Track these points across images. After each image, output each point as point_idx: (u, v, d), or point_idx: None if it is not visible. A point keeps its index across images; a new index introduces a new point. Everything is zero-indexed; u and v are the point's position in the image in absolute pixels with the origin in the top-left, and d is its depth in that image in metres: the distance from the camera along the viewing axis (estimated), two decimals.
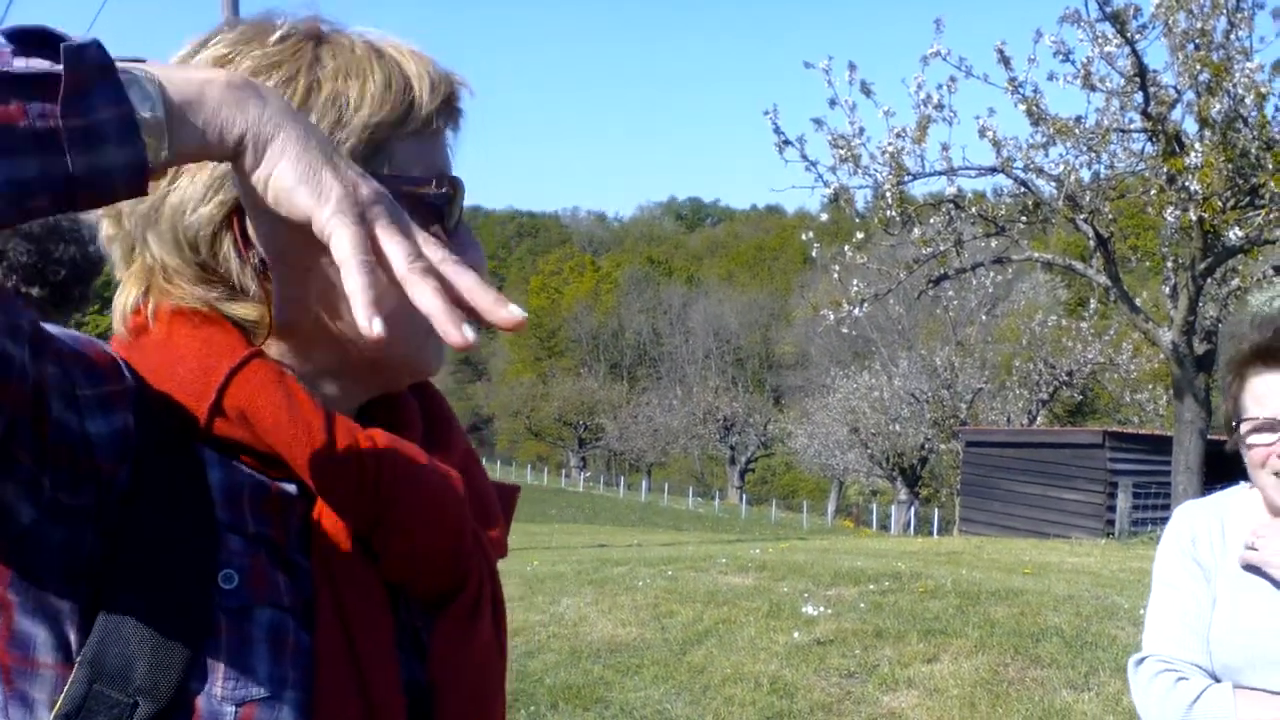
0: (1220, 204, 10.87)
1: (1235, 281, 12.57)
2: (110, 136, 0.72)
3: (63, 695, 0.85)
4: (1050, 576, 9.50)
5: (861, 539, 20.96)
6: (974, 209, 12.79)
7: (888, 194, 12.30)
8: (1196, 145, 10.93)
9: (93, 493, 0.85)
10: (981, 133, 12.19)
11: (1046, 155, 12.17)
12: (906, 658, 6.78)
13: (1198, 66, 10.88)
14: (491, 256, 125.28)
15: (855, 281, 13.29)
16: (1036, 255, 13.74)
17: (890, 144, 12.29)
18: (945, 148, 12.41)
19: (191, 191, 0.92)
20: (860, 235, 13.10)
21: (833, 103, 12.32)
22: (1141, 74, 11.38)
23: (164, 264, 0.95)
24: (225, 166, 0.91)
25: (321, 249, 0.79)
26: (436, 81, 0.98)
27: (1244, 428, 2.16)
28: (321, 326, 0.97)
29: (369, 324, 0.76)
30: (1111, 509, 20.79)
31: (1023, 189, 12.61)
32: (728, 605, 8.22)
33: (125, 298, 0.97)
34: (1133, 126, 11.94)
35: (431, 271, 0.79)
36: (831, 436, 44.12)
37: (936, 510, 40.03)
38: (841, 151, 12.41)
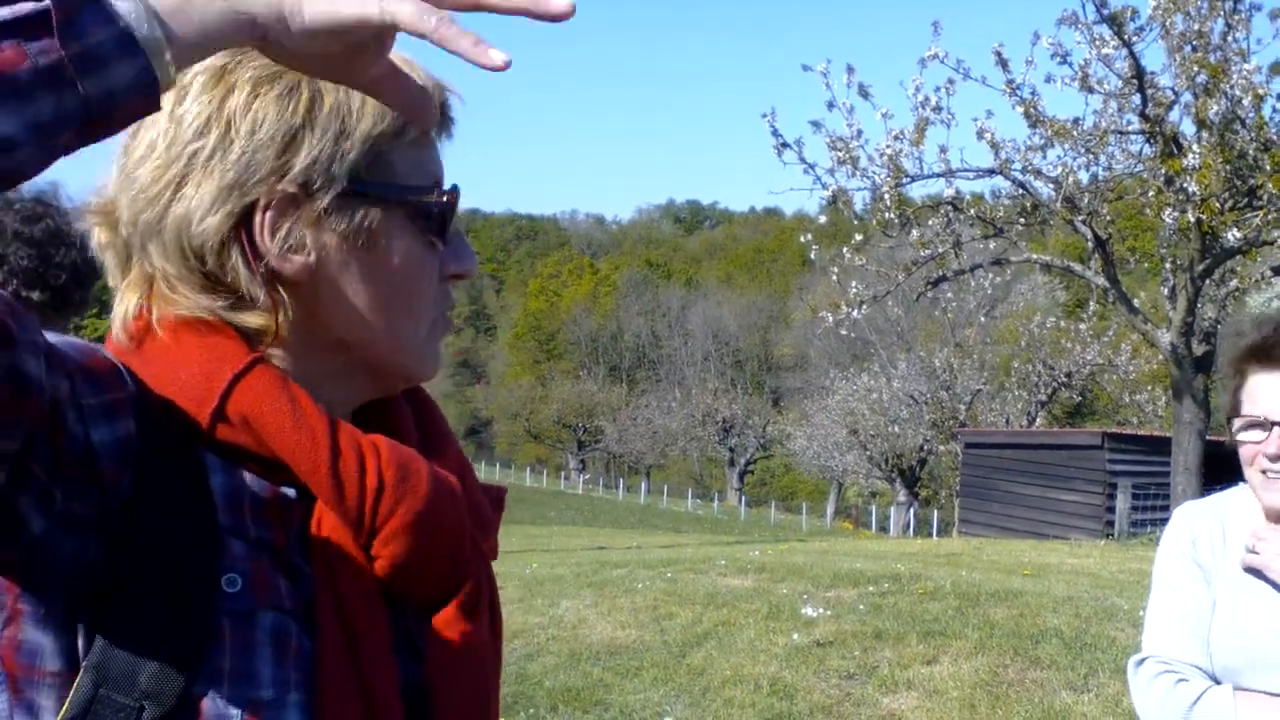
0: (1218, 205, 10.88)
1: (1234, 283, 12.58)
2: (111, 54, 0.72)
3: (68, 700, 0.85)
4: (1049, 578, 9.50)
5: (861, 540, 20.95)
6: (972, 211, 12.80)
7: (886, 196, 12.30)
8: (1194, 147, 10.94)
9: (96, 501, 0.85)
10: (979, 135, 12.21)
11: (1044, 157, 12.20)
12: (906, 659, 6.78)
13: (1195, 68, 10.89)
14: (490, 259, 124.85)
15: (854, 283, 13.29)
16: (1035, 257, 13.75)
17: (888, 146, 12.30)
18: (943, 150, 12.44)
19: (198, 202, 0.92)
20: (859, 237, 13.10)
21: (831, 105, 12.34)
22: (1139, 76, 11.39)
23: (166, 272, 0.95)
24: (231, 178, 0.92)
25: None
26: (431, 91, 0.99)
27: (1236, 424, 2.17)
28: (324, 330, 0.98)
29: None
30: (1110, 510, 20.78)
31: (1021, 191, 12.62)
32: (727, 607, 8.22)
33: (125, 305, 0.97)
34: (1130, 128, 11.96)
35: (448, 21, 0.78)
36: (830, 438, 44.11)
37: (936, 512, 40.02)
38: (840, 154, 12.42)
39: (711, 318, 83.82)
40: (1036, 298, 42.46)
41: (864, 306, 13.17)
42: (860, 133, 12.42)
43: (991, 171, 12.48)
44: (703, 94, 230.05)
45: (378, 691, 0.94)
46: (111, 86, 0.73)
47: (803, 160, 12.39)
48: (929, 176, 12.46)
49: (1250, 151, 10.87)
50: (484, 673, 1.05)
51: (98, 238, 0.99)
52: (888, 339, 43.22)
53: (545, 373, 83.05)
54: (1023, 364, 36.32)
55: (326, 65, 0.82)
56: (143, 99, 0.75)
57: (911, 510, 40.44)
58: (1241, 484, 2.26)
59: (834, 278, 14.02)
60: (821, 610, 7.90)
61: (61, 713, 0.85)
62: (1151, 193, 11.43)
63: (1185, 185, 10.87)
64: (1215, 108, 10.77)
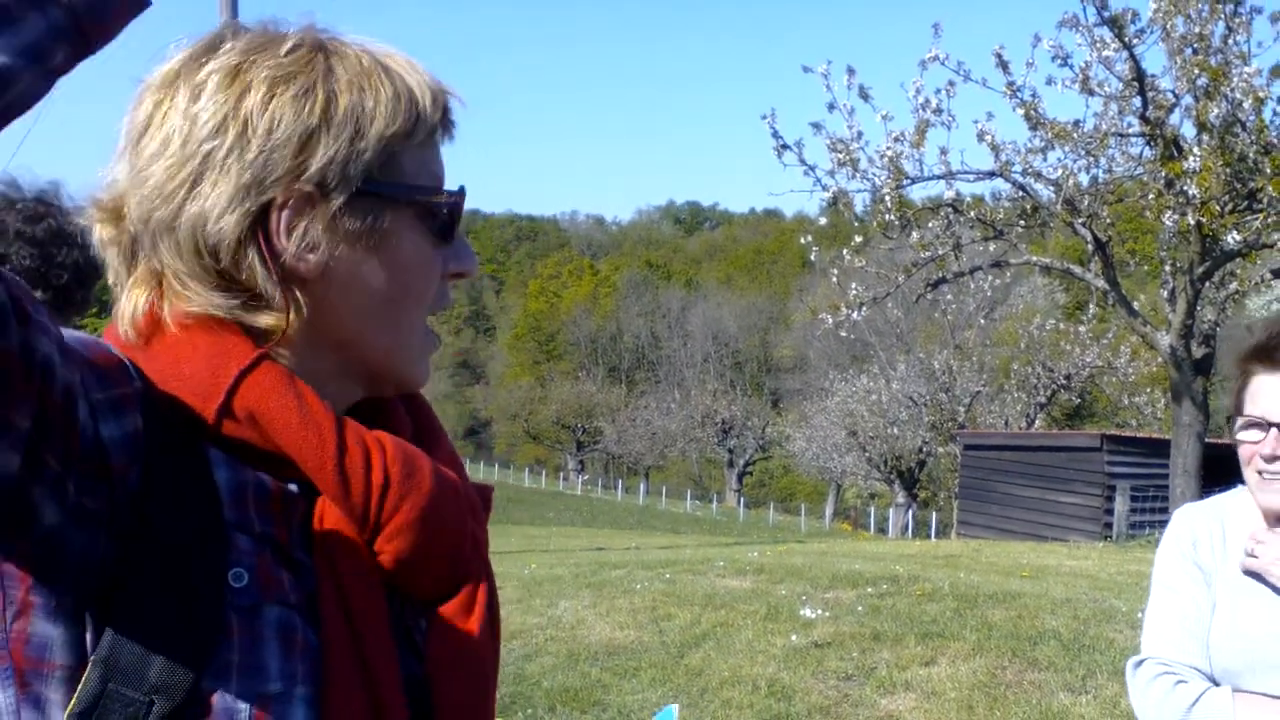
0: (1218, 208, 10.89)
1: (1233, 285, 12.58)
2: None
3: (76, 694, 0.85)
4: (1048, 579, 9.50)
5: (859, 542, 20.95)
6: (972, 213, 12.80)
7: (886, 198, 12.31)
8: (1195, 149, 10.94)
9: (106, 495, 0.85)
10: (980, 137, 12.21)
11: (1045, 159, 12.20)
12: (904, 660, 6.78)
13: (1196, 71, 10.89)
14: (490, 260, 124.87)
15: (854, 285, 13.29)
16: (1035, 259, 13.75)
17: (889, 148, 12.30)
18: (944, 152, 12.44)
19: (214, 201, 0.92)
20: (859, 239, 13.11)
21: (831, 107, 12.34)
22: (1140, 78, 11.39)
23: (177, 270, 0.95)
24: (249, 177, 0.92)
25: None
26: (436, 93, 1.00)
27: (1237, 424, 2.17)
28: (328, 328, 0.99)
29: None
30: (1109, 512, 20.78)
31: (1021, 193, 12.62)
32: (725, 608, 8.22)
33: (133, 302, 0.97)
34: (1131, 131, 11.96)
35: None
36: (829, 439, 44.12)
37: (934, 513, 40.05)
38: (840, 155, 12.43)
39: (711, 319, 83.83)
40: (1036, 300, 42.51)
41: (864, 308, 13.17)
42: (860, 134, 12.43)
43: (992, 174, 12.48)
44: (703, 95, 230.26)
45: (382, 686, 0.94)
46: None
47: (803, 162, 12.40)
48: (929, 178, 12.47)
49: (1250, 154, 10.87)
50: (483, 670, 1.05)
51: (100, 234, 0.99)
52: (887, 341, 43.23)
53: (544, 373, 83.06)
54: (1022, 366, 36.34)
55: None
56: None
57: (910, 512, 40.45)
58: (1241, 486, 2.26)
59: (834, 279, 14.03)
60: (820, 611, 7.89)
61: (70, 707, 0.85)
62: (1151, 195, 11.43)
63: (1185, 188, 10.87)
64: (1216, 111, 10.77)
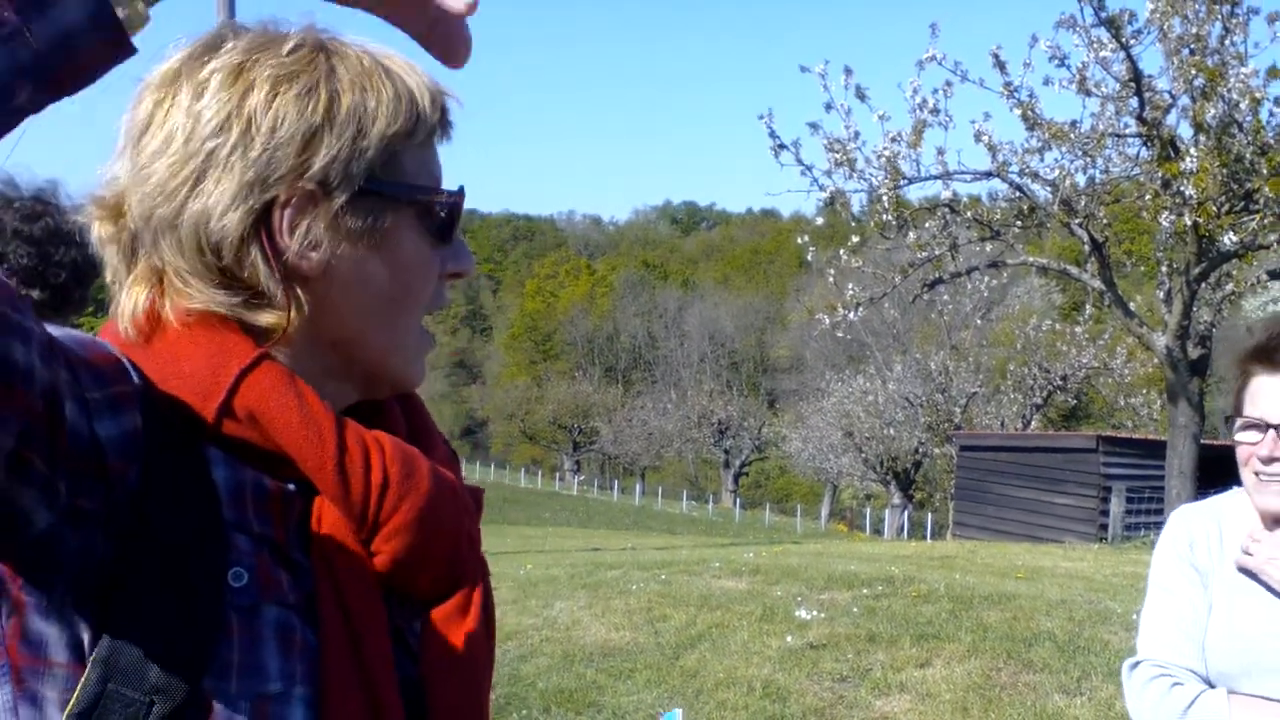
0: (1215, 209, 10.90)
1: (1229, 286, 12.60)
2: None
3: (76, 694, 0.85)
4: (1043, 581, 9.50)
5: (855, 543, 20.96)
6: (969, 213, 12.81)
7: (883, 198, 12.32)
8: (1191, 150, 10.95)
9: (102, 495, 0.85)
10: (977, 137, 12.21)
11: (1042, 160, 12.22)
12: (899, 662, 6.78)
13: (1193, 71, 10.90)
14: (487, 260, 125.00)
15: (850, 285, 13.31)
16: (1031, 260, 13.77)
17: (886, 148, 12.31)
18: (941, 152, 12.44)
19: (217, 198, 0.92)
20: (856, 239, 13.13)
21: (828, 107, 12.35)
22: (1137, 79, 11.40)
23: (179, 268, 0.95)
24: (252, 175, 0.92)
25: None
26: (435, 94, 1.01)
27: (1236, 425, 2.17)
28: (327, 327, 0.99)
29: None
30: (1105, 513, 20.81)
31: (1018, 193, 12.63)
32: (721, 609, 8.21)
33: (133, 300, 0.96)
34: (1128, 131, 11.97)
35: None
36: (826, 440, 44.14)
37: (930, 514, 40.11)
38: (837, 155, 12.43)
39: (708, 319, 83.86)
40: (1033, 300, 42.57)
41: (860, 308, 13.18)
42: (858, 134, 12.44)
43: (989, 174, 12.49)
44: (700, 95, 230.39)
45: (379, 686, 0.95)
46: (64, 28, 0.70)
47: (800, 162, 12.41)
48: (926, 179, 12.48)
49: (1247, 155, 10.88)
50: (477, 671, 1.06)
51: (98, 231, 0.98)
52: (884, 341, 43.29)
53: (541, 373, 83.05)
54: (1018, 367, 36.38)
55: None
56: (103, 42, 0.72)
57: (906, 513, 40.50)
58: (1238, 487, 2.25)
59: (831, 279, 14.04)
60: (815, 613, 7.89)
61: (69, 707, 0.85)
62: (1148, 196, 11.44)
63: (1182, 188, 10.88)
64: (1212, 111, 10.78)
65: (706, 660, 7.07)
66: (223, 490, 0.92)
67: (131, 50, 0.74)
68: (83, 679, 0.85)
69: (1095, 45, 11.51)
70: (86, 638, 0.86)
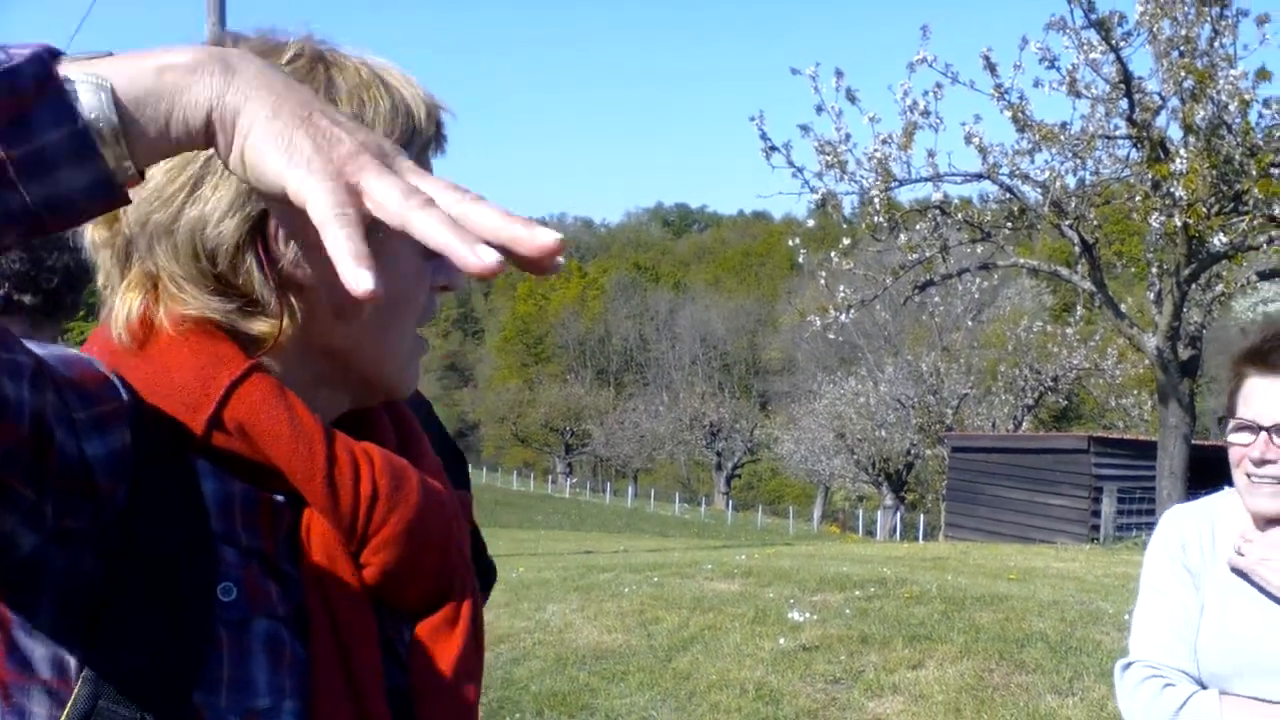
0: (1205, 210, 10.92)
1: (1219, 287, 12.63)
2: (61, 158, 0.69)
3: (65, 711, 0.85)
4: (1035, 582, 9.51)
5: (847, 544, 20.98)
6: (960, 215, 12.83)
7: (874, 200, 12.33)
8: (1181, 151, 10.98)
9: (90, 514, 0.84)
10: (967, 139, 12.24)
11: (1032, 161, 12.24)
12: (892, 664, 6.78)
13: (1182, 73, 10.94)
14: None
15: (842, 287, 13.31)
16: (1022, 261, 13.80)
17: (876, 150, 12.33)
18: (931, 154, 12.46)
19: (215, 205, 0.92)
20: (847, 241, 13.14)
21: (819, 109, 12.37)
22: (1126, 80, 11.43)
23: (174, 273, 0.94)
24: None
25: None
26: (430, 107, 1.01)
27: (1229, 426, 2.18)
28: (319, 337, 0.98)
29: (355, 280, 0.69)
30: (1096, 514, 20.86)
31: (1008, 195, 12.66)
32: (713, 611, 8.21)
33: (127, 305, 0.96)
34: (1118, 133, 12.00)
35: (431, 203, 0.71)
36: (818, 442, 44.18)
37: (922, 516, 40.14)
38: (828, 158, 12.45)
39: (699, 321, 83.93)
40: (1023, 302, 42.65)
41: (851, 310, 13.19)
42: (849, 136, 12.45)
43: (979, 176, 12.52)
44: (691, 97, 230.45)
45: (368, 698, 0.94)
46: (62, 190, 0.69)
47: (791, 164, 12.42)
48: (917, 180, 12.50)
49: (1236, 156, 10.91)
50: (467, 681, 1.05)
51: (92, 235, 0.98)
52: (875, 343, 43.35)
53: (533, 376, 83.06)
54: (1009, 368, 36.43)
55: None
56: (101, 201, 0.72)
57: (898, 514, 40.54)
58: (1229, 487, 2.26)
59: (822, 281, 14.03)
60: (808, 614, 7.89)
61: None
62: (1138, 197, 11.47)
63: (1172, 190, 10.91)
64: (1202, 113, 10.81)
65: (699, 662, 7.07)
66: (211, 503, 0.92)
67: (127, 202, 0.74)
68: (72, 696, 0.85)
69: (1085, 47, 11.54)
70: (75, 654, 0.86)
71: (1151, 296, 12.98)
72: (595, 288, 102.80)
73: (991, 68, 11.88)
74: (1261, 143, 10.99)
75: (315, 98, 0.77)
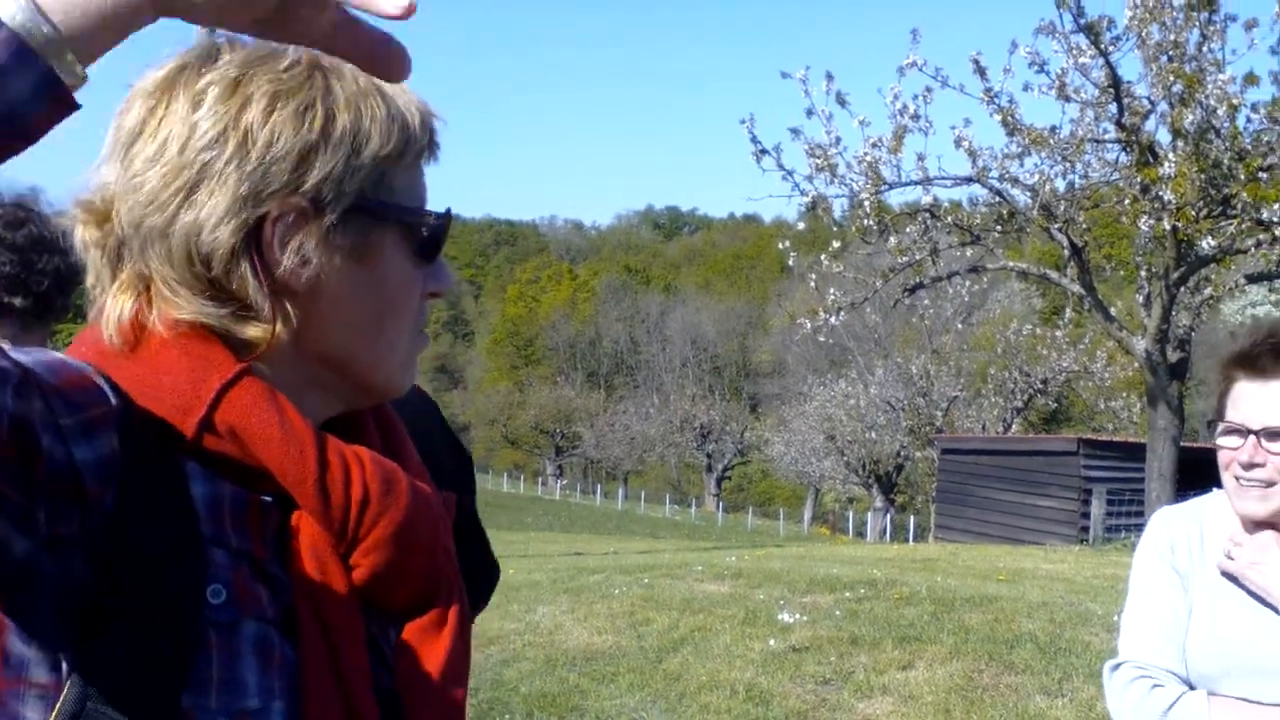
0: (1193, 214, 10.97)
1: (1208, 290, 12.69)
2: (3, 66, 0.67)
3: (54, 713, 0.85)
4: (1025, 583, 9.53)
5: (837, 546, 20.99)
6: (950, 218, 12.87)
7: (864, 203, 12.36)
8: (1170, 156, 11.03)
9: (79, 519, 0.84)
10: (957, 143, 12.28)
11: (1021, 165, 12.29)
12: (882, 665, 6.79)
13: (1171, 78, 10.98)
14: (468, 265, 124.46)
15: (832, 290, 13.35)
16: (1011, 264, 13.84)
17: (867, 153, 12.36)
18: (921, 157, 12.51)
19: (211, 210, 0.92)
20: (837, 244, 13.17)
21: (810, 112, 12.41)
22: (1115, 85, 11.48)
23: (167, 277, 0.94)
24: (246, 189, 0.92)
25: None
26: (424, 116, 1.01)
27: (1218, 429, 2.19)
28: (312, 343, 0.99)
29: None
30: (1086, 516, 20.90)
31: (998, 198, 12.70)
32: (703, 613, 8.22)
33: (119, 307, 0.96)
34: (1107, 137, 12.05)
35: None
36: (808, 444, 44.21)
37: (912, 517, 40.16)
38: (818, 161, 12.48)
39: (690, 324, 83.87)
40: (1013, 305, 42.72)
41: (842, 313, 13.23)
42: (839, 140, 12.49)
43: (969, 179, 12.55)
44: (682, 100, 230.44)
45: (357, 699, 0.95)
46: (10, 100, 0.69)
47: (781, 167, 12.46)
48: (907, 184, 12.54)
49: (1225, 161, 10.96)
50: (454, 683, 1.06)
51: (83, 235, 0.98)
52: (865, 345, 43.37)
53: (523, 378, 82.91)
54: (999, 370, 36.49)
55: (260, 25, 0.77)
56: (51, 106, 0.71)
57: (888, 516, 40.56)
58: (1218, 489, 2.27)
59: (812, 284, 14.06)
60: (798, 616, 7.90)
61: None
62: (1127, 201, 11.51)
63: (1161, 193, 10.96)
64: (1190, 117, 10.86)
65: (689, 664, 7.07)
66: (200, 505, 0.92)
67: (77, 106, 0.73)
68: (61, 698, 0.84)
69: (1074, 51, 11.58)
70: (66, 658, 0.86)
71: (1140, 299, 13.02)
72: (586, 290, 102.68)
73: (981, 72, 11.92)
74: (1249, 147, 11.05)
75: None
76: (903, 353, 40.55)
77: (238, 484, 0.94)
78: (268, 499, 0.96)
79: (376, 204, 0.98)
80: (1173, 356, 12.65)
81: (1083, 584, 9.65)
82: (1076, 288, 12.77)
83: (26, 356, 0.83)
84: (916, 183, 12.50)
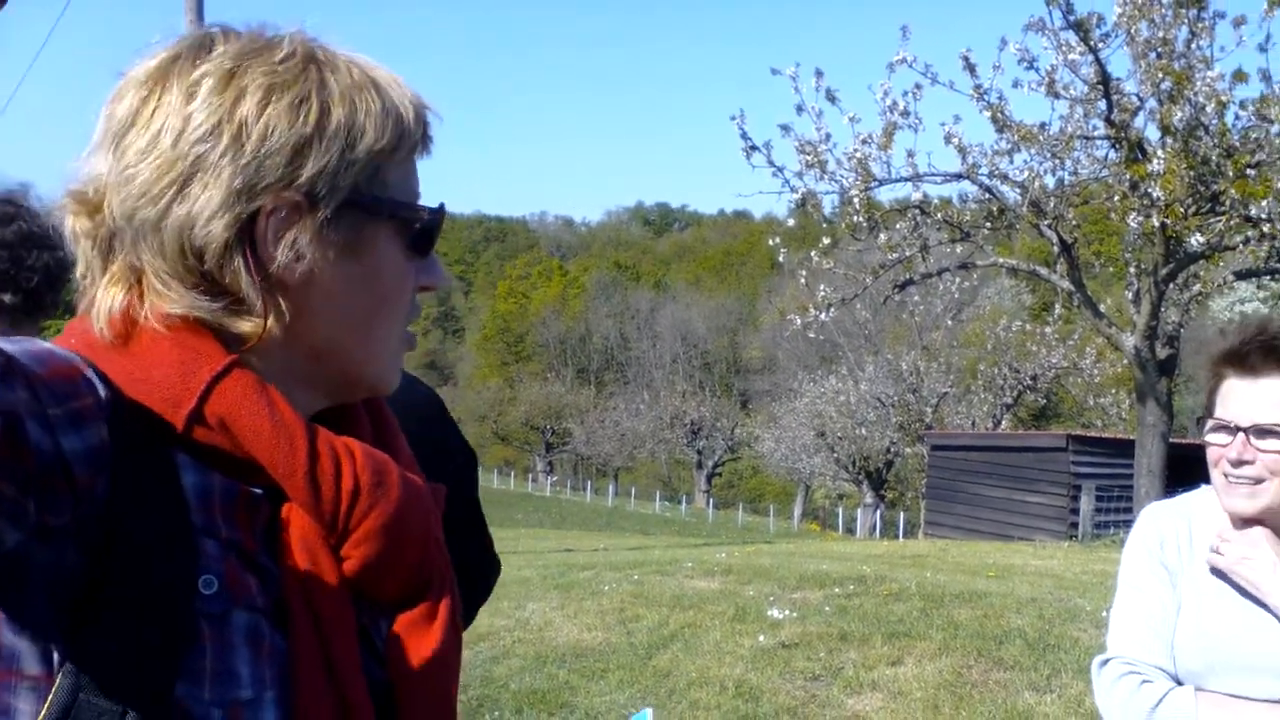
0: (1182, 210, 10.99)
1: (1197, 287, 12.71)
2: None
3: (47, 704, 0.84)
4: (1014, 579, 9.56)
5: (827, 542, 21.02)
6: (939, 215, 12.87)
7: (854, 199, 12.36)
8: (1159, 152, 11.04)
9: (70, 509, 0.84)
10: (947, 139, 12.27)
11: (1011, 162, 12.29)
12: (871, 660, 6.80)
13: (1160, 75, 11.00)
14: (459, 261, 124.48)
15: (822, 286, 13.34)
16: (1001, 261, 13.85)
17: (856, 150, 12.35)
18: (911, 154, 12.50)
19: (205, 204, 0.92)
20: (827, 240, 13.15)
21: (799, 109, 12.38)
22: (1105, 82, 11.49)
23: (158, 269, 0.94)
24: (240, 183, 0.91)
25: None
26: (418, 110, 1.01)
27: (1207, 426, 2.19)
28: (304, 337, 0.99)
29: None
30: (1075, 512, 20.95)
31: (988, 195, 12.70)
32: (693, 609, 8.23)
33: (110, 299, 0.95)
34: (1096, 134, 12.06)
35: None
36: (798, 440, 44.25)
37: (902, 513, 40.24)
38: (808, 157, 12.47)
39: (680, 320, 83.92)
40: (1003, 301, 42.87)
41: (832, 309, 13.22)
42: (829, 136, 12.47)
43: (959, 176, 12.55)
44: (672, 96, 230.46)
45: (350, 689, 0.95)
46: None
47: (771, 163, 12.43)
48: (897, 180, 12.53)
49: (1213, 157, 10.98)
50: (446, 674, 1.06)
51: (73, 225, 0.97)
52: (855, 342, 43.43)
53: (513, 375, 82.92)
54: (989, 367, 36.58)
55: None
56: None
57: (878, 512, 40.63)
58: (1207, 485, 2.27)
59: (802, 280, 14.07)
60: (787, 612, 7.91)
61: (40, 717, 0.84)
62: (1116, 198, 11.53)
63: (1150, 190, 10.97)
64: (1179, 114, 10.88)
65: (679, 660, 7.08)
66: (191, 496, 0.91)
67: None
68: (53, 689, 0.84)
69: (1064, 48, 11.59)
70: (58, 649, 0.85)
71: (1129, 296, 13.04)
72: (576, 286, 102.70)
73: (971, 68, 11.92)
74: (1238, 144, 11.07)
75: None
76: (893, 349, 40.61)
77: (229, 476, 0.94)
78: (258, 491, 0.96)
79: (370, 199, 0.97)
80: (1162, 353, 12.68)
81: (1071, 580, 9.67)
82: (1066, 284, 12.78)
83: (12, 346, 0.83)
84: (906, 179, 12.50)
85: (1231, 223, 11.07)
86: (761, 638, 7.33)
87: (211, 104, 0.92)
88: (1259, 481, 2.11)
